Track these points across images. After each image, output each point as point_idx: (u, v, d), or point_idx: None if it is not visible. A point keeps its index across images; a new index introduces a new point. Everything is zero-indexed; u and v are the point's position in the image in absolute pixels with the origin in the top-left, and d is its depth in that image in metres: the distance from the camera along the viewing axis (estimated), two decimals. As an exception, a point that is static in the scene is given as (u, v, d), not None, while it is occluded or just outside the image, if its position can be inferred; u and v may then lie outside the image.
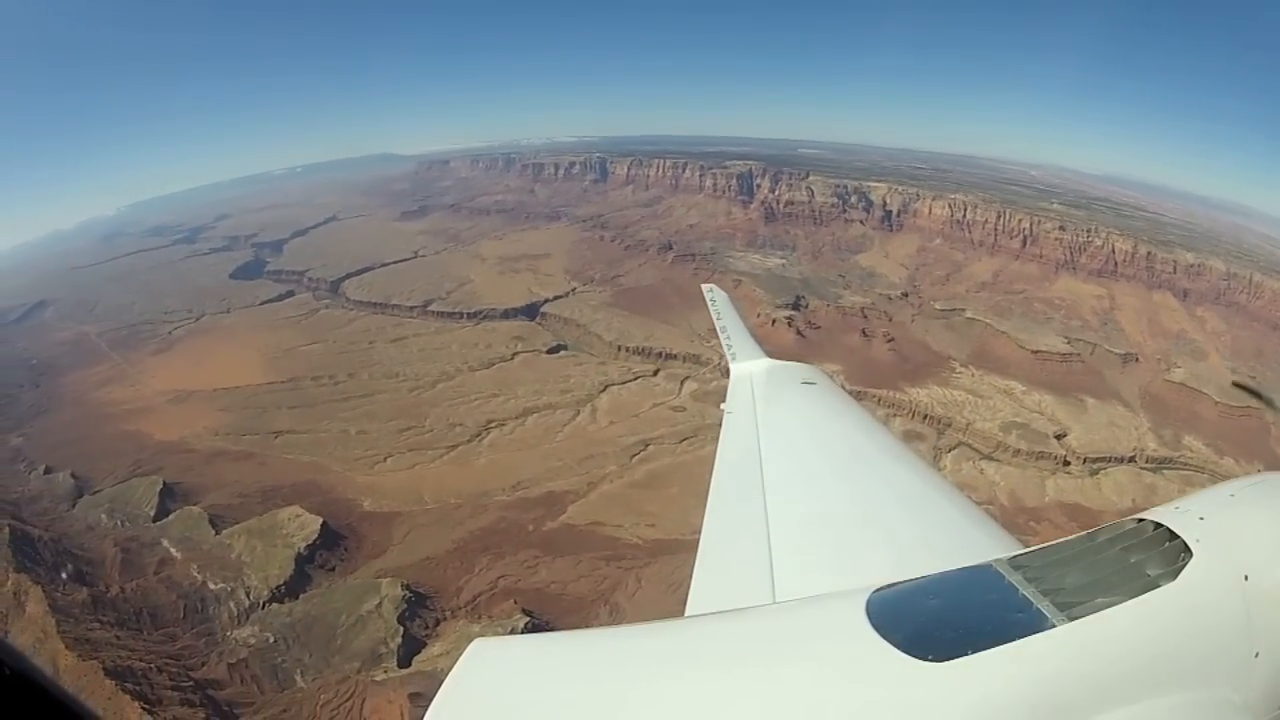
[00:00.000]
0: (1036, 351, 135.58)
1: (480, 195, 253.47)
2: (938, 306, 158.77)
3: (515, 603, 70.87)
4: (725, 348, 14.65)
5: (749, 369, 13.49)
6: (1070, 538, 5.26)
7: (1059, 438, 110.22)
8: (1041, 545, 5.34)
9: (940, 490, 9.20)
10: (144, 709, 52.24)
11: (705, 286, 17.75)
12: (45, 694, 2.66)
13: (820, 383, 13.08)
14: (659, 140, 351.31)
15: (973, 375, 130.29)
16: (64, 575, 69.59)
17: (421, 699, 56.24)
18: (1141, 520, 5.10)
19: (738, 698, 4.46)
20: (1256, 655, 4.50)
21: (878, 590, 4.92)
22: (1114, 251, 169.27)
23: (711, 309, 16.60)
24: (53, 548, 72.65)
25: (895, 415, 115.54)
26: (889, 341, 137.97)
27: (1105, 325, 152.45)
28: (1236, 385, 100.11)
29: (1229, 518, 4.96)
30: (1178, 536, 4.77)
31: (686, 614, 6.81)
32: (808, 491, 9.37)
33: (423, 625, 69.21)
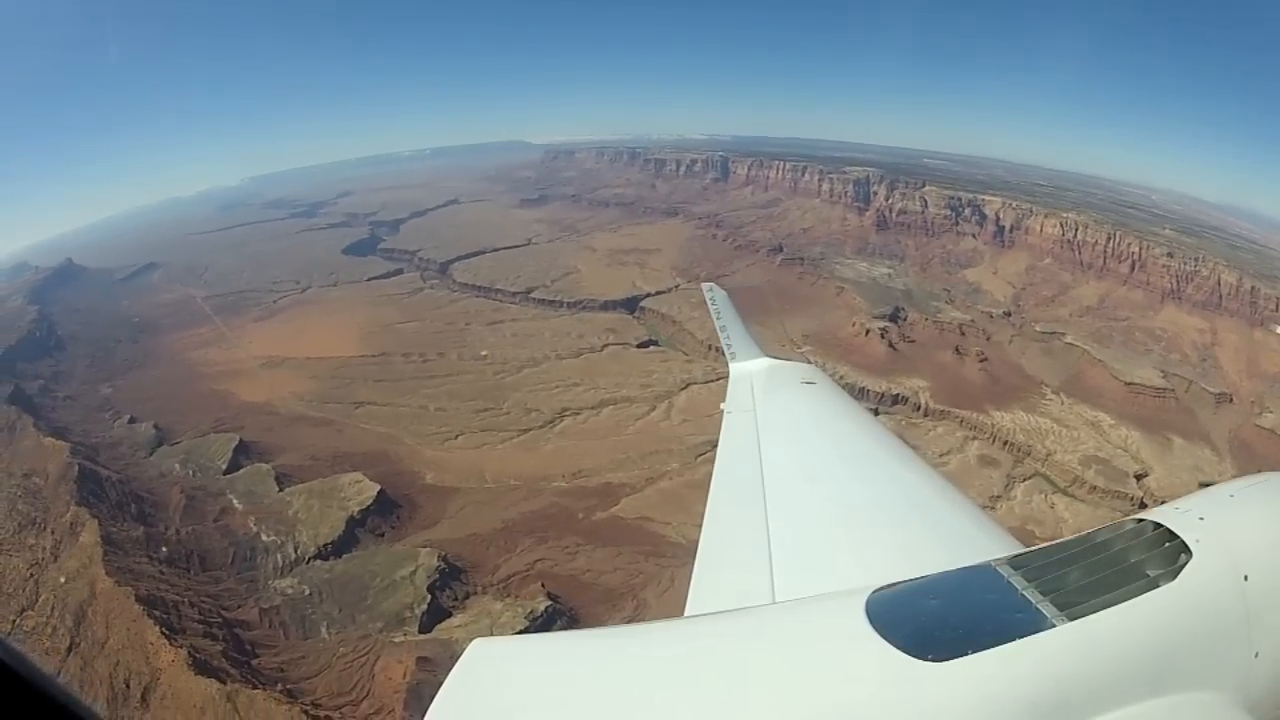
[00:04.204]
0: (1130, 383, 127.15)
1: (601, 187, 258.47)
2: (1038, 328, 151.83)
3: (543, 586, 71.37)
4: (725, 347, 14.77)
5: (749, 368, 13.59)
6: (1070, 538, 5.29)
7: (1139, 478, 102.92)
8: (1041, 545, 5.37)
9: (941, 490, 9.22)
10: (163, 634, 55.46)
11: (705, 285, 17.90)
12: (46, 694, 2.71)
13: (820, 382, 13.11)
14: (790, 142, 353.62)
15: (1062, 403, 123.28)
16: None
17: (429, 663, 58.06)
18: (1141, 520, 5.14)
19: (737, 697, 4.47)
20: (1256, 655, 4.55)
21: (878, 590, 4.94)
22: (1219, 283, 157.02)
23: (711, 308, 16.77)
24: (120, 488, 78.59)
25: (974, 438, 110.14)
26: (981, 361, 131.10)
27: (1204, 361, 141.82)
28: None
29: (1229, 518, 5.03)
30: (1177, 536, 4.82)
31: (686, 614, 6.80)
32: (808, 491, 9.36)
33: (451, 596, 70.87)
